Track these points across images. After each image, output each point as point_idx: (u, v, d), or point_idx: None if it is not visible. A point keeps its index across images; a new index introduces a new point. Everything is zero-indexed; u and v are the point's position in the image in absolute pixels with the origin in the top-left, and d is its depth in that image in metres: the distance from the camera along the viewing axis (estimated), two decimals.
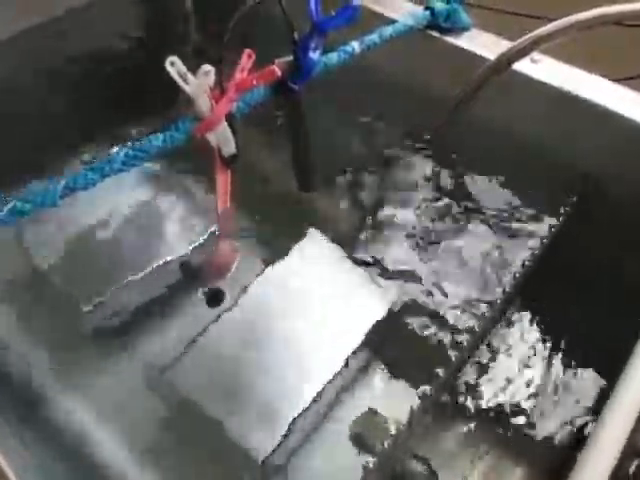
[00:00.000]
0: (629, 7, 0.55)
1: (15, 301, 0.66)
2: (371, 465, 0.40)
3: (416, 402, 0.40)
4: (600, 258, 0.57)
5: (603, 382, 0.62)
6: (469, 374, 0.60)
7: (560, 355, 0.62)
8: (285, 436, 0.49)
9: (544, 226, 0.54)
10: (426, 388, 0.41)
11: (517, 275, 0.48)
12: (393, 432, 0.40)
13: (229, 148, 0.48)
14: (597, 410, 0.61)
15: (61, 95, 0.78)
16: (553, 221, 0.54)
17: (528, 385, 0.61)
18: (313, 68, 0.49)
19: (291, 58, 0.49)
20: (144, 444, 0.56)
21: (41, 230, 0.65)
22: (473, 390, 0.60)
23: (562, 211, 0.55)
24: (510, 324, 0.62)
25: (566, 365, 0.63)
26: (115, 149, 0.43)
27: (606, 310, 0.54)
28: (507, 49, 0.56)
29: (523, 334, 0.63)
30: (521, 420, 0.59)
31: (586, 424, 0.60)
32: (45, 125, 0.75)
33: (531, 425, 0.59)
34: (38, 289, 0.65)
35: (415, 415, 0.41)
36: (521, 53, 0.56)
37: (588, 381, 0.63)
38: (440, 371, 0.43)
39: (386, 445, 0.40)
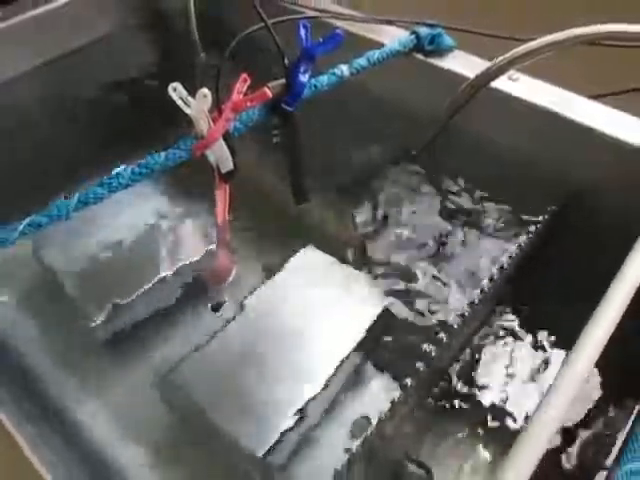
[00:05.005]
0: (601, 28, 0.59)
1: (32, 314, 0.71)
2: (358, 455, 0.43)
3: (397, 393, 0.43)
4: (578, 261, 0.60)
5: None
6: (459, 376, 0.63)
7: (548, 355, 0.65)
8: (283, 433, 0.52)
9: (524, 233, 0.57)
10: (407, 381, 0.44)
11: (495, 278, 0.52)
12: (375, 420, 0.44)
13: (227, 165, 0.52)
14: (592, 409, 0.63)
15: (79, 119, 0.85)
16: (532, 228, 0.57)
17: (519, 385, 0.64)
18: (303, 90, 0.54)
19: (283, 81, 0.54)
20: (152, 443, 0.59)
21: (56, 247, 0.68)
22: (465, 392, 0.63)
23: (541, 219, 0.59)
24: (497, 327, 0.65)
25: (556, 364, 0.65)
26: (124, 166, 0.48)
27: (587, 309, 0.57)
28: (485, 68, 0.60)
29: (510, 336, 0.66)
30: (510, 421, 0.62)
31: (578, 423, 0.63)
32: (61, 150, 0.80)
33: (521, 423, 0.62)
34: (53, 302, 0.69)
35: (397, 406, 0.44)
36: (498, 72, 0.60)
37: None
38: (420, 365, 0.46)
39: (369, 433, 0.43)
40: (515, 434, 0.55)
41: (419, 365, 0.46)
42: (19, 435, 0.42)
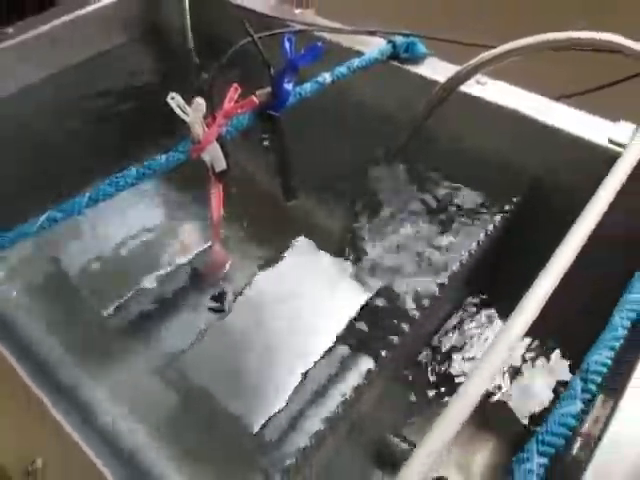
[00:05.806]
0: (560, 35, 0.65)
1: (44, 307, 0.73)
2: (339, 418, 0.49)
3: (372, 364, 0.48)
4: (539, 248, 0.66)
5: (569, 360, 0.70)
6: (438, 359, 0.69)
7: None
8: (277, 412, 0.56)
9: (490, 222, 0.63)
10: (382, 352, 0.50)
11: (464, 262, 0.58)
12: (354, 386, 0.49)
13: (220, 165, 0.58)
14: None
15: (88, 127, 0.91)
16: (499, 217, 0.63)
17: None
18: (288, 97, 0.60)
19: (269, 89, 0.60)
20: (157, 422, 0.63)
21: (61, 245, 0.72)
22: (446, 374, 0.68)
23: (507, 209, 0.65)
24: (471, 313, 0.71)
25: (529, 348, 0.71)
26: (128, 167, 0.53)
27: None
28: (454, 73, 0.66)
29: (486, 321, 0.72)
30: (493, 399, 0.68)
31: (553, 400, 0.68)
32: (71, 153, 0.86)
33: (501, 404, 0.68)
34: (59, 297, 0.73)
35: (373, 375, 0.50)
36: (467, 75, 0.65)
37: (555, 361, 0.71)
38: (394, 339, 0.52)
39: (348, 397, 0.49)
40: (497, 414, 0.60)
41: (392, 339, 0.51)
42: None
